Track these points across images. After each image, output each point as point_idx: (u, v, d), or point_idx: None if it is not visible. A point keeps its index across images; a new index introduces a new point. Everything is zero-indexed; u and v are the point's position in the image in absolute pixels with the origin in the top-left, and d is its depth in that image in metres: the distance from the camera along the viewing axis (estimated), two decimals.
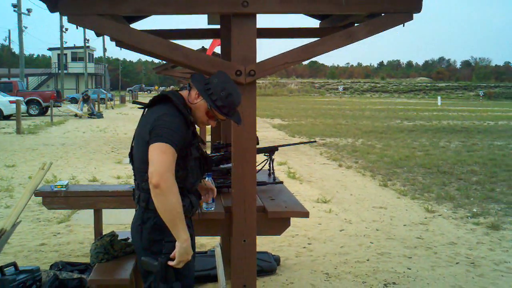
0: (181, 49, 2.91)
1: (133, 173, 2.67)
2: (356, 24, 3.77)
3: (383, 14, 2.92)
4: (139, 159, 2.54)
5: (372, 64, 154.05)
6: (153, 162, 2.34)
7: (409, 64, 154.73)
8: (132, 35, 2.88)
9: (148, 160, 2.38)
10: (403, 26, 2.89)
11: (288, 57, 2.87)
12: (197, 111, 2.58)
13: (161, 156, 2.35)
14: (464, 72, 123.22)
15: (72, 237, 6.02)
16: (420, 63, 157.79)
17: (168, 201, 2.32)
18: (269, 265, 4.88)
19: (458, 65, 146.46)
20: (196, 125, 2.67)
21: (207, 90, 2.51)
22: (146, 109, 2.63)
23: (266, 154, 4.11)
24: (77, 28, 2.88)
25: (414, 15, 2.95)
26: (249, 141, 3.09)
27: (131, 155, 2.65)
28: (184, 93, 2.62)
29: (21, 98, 24.11)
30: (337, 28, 4.07)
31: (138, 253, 2.60)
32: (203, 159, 2.68)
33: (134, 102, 2.66)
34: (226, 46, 4.28)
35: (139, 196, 2.55)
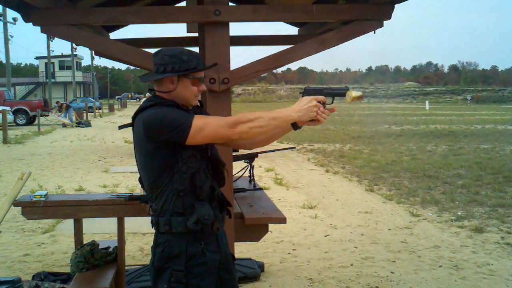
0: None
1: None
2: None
3: (354, 22, 2.95)
4: (144, 176, 2.34)
5: (360, 70, 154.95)
6: (211, 131, 2.20)
7: (397, 69, 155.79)
8: (104, 44, 2.89)
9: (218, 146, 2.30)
10: (374, 33, 2.92)
11: (260, 65, 2.89)
12: (183, 92, 2.32)
13: (207, 125, 2.20)
14: (451, 76, 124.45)
15: (56, 247, 5.98)
16: (408, 68, 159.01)
17: (256, 125, 2.21)
18: (252, 272, 4.87)
19: (445, 69, 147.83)
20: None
21: (173, 67, 2.27)
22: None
23: (246, 161, 4.14)
24: (52, 39, 2.88)
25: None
26: (225, 148, 3.09)
27: (140, 179, 2.41)
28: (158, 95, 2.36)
29: (7, 108, 24.01)
30: (314, 35, 4.11)
31: (150, 276, 2.39)
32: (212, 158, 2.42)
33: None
34: (203, 54, 4.28)
35: (152, 218, 2.37)
